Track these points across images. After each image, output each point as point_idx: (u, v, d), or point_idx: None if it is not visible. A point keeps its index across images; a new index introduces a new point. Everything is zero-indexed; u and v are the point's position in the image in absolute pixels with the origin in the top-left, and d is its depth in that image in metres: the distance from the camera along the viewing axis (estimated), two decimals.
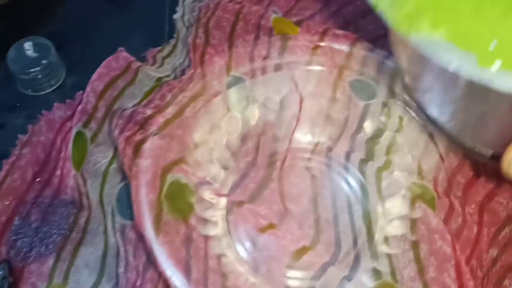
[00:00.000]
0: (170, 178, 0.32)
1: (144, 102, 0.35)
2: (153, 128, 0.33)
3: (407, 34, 0.17)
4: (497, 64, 0.15)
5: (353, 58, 0.36)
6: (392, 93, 0.35)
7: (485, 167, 0.34)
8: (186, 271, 0.30)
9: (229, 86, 0.35)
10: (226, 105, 0.35)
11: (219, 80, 0.35)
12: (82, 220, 0.37)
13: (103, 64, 0.40)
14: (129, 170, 0.32)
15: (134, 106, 0.38)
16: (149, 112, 0.34)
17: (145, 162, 0.32)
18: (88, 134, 0.38)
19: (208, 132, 0.35)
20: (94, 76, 0.40)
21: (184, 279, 0.29)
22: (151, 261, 0.31)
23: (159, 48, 0.43)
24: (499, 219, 0.33)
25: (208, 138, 0.35)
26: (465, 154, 0.33)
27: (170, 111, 0.34)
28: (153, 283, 0.32)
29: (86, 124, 0.38)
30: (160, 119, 0.33)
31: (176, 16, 0.45)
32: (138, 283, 0.32)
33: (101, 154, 0.37)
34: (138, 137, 0.33)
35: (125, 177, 0.35)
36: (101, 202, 0.36)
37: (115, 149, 0.36)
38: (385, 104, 0.36)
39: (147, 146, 0.33)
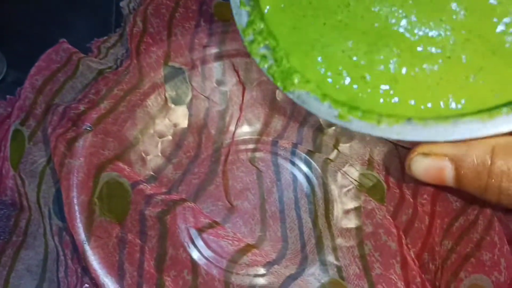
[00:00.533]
0: (104, 177, 0.31)
1: (79, 97, 0.33)
2: (86, 124, 0.31)
3: (284, 89, 0.20)
4: (353, 118, 0.19)
5: None
6: None
7: None
8: (119, 275, 0.28)
9: (167, 77, 0.33)
10: (165, 98, 0.33)
11: (156, 71, 0.33)
12: (22, 223, 0.35)
13: (42, 57, 0.38)
14: (60, 170, 0.30)
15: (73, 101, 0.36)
16: (82, 107, 0.32)
17: (77, 162, 0.30)
18: (26, 132, 0.36)
19: (148, 127, 0.33)
20: (33, 70, 0.37)
21: (117, 285, 0.28)
22: (83, 265, 0.29)
23: (105, 38, 0.41)
24: (452, 209, 0.31)
25: (148, 133, 0.34)
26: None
27: (104, 106, 0.32)
28: (91, 285, 0.31)
29: (23, 122, 0.36)
30: (93, 115, 0.32)
31: (123, 3, 0.42)
32: (78, 287, 0.31)
33: (38, 153, 0.35)
34: (70, 134, 0.31)
35: None
36: (38, 203, 0.34)
37: None
38: None
39: (79, 144, 0.31)
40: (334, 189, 0.32)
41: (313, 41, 0.20)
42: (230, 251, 0.29)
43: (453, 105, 0.18)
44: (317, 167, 0.33)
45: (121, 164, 0.31)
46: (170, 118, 0.34)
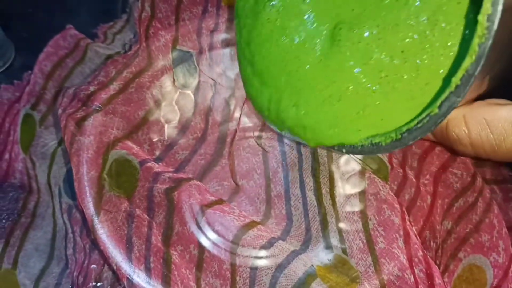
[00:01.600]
0: (113, 155, 0.31)
1: (89, 79, 0.34)
2: (95, 104, 0.32)
3: (275, 129, 0.28)
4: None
5: None
6: None
7: None
8: (127, 248, 0.29)
9: (176, 60, 0.34)
10: (173, 81, 0.34)
11: (165, 54, 0.34)
12: (31, 204, 0.36)
13: (50, 43, 0.39)
14: (70, 147, 0.31)
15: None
16: (92, 88, 0.32)
17: (86, 139, 0.31)
18: (37, 116, 0.37)
19: (156, 109, 0.34)
20: (42, 56, 0.38)
21: (125, 257, 0.28)
22: (92, 239, 0.30)
23: (111, 23, 0.41)
24: (453, 191, 0.32)
25: (156, 114, 0.34)
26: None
27: (114, 87, 0.33)
28: (99, 262, 0.31)
29: (34, 106, 0.37)
30: (103, 96, 0.32)
31: None
32: (86, 263, 0.32)
33: (50, 136, 0.36)
34: (79, 114, 0.32)
35: None
36: (49, 184, 0.35)
37: None
38: None
39: (89, 123, 0.31)
40: (337, 167, 0.32)
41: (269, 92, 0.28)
42: (235, 226, 0.30)
43: (356, 133, 0.25)
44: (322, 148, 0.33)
45: (129, 143, 0.32)
46: (177, 101, 0.35)
